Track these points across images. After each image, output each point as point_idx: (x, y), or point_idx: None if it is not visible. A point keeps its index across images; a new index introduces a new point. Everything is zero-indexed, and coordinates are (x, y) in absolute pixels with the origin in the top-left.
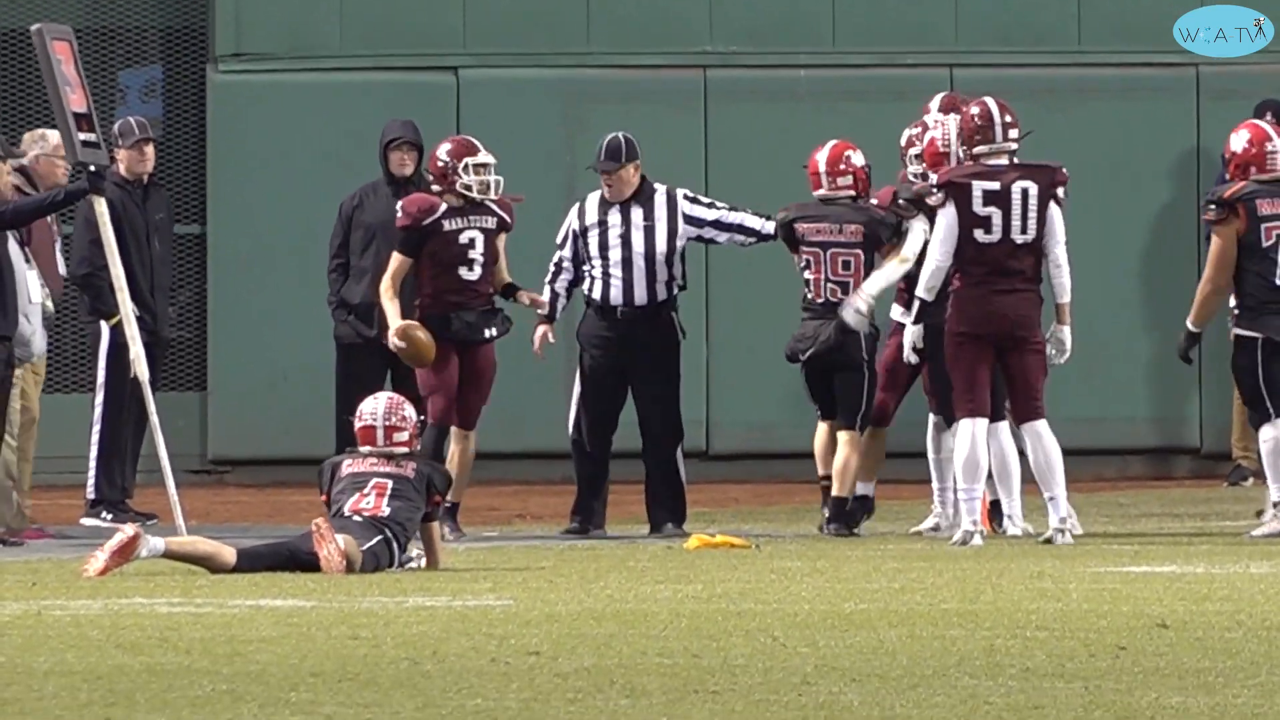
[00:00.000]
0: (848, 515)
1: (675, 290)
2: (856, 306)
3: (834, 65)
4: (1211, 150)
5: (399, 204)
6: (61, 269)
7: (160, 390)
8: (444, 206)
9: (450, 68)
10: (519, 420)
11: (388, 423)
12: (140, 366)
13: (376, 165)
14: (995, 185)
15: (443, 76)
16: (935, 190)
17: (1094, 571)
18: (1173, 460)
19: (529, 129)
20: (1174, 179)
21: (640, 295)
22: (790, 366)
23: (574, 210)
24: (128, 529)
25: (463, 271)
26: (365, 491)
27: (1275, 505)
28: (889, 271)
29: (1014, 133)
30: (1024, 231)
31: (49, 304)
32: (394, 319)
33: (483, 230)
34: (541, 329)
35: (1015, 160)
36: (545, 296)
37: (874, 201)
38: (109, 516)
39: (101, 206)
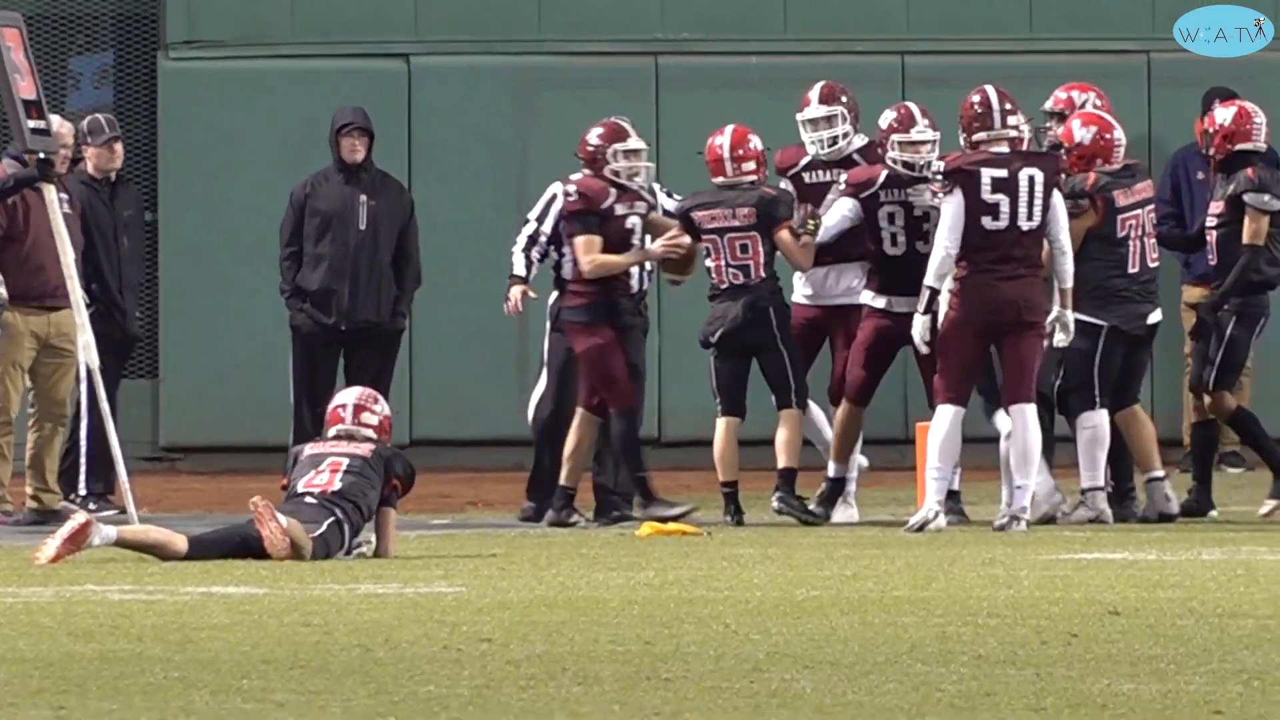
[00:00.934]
0: (825, 499)
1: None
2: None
3: (785, 52)
4: (1163, 137)
5: (572, 186)
6: None
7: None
8: (614, 192)
9: (402, 55)
10: (470, 408)
11: (358, 402)
12: (90, 354)
13: (328, 153)
14: (1003, 172)
15: (394, 64)
16: (940, 177)
17: (1046, 559)
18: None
19: (480, 116)
20: None
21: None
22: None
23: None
24: (79, 516)
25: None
26: (320, 469)
27: (1084, 493)
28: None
29: (1013, 119)
30: (1030, 218)
31: (3, 291)
32: (635, 254)
33: (640, 217)
34: (519, 288)
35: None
36: (519, 262)
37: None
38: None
39: (51, 194)
